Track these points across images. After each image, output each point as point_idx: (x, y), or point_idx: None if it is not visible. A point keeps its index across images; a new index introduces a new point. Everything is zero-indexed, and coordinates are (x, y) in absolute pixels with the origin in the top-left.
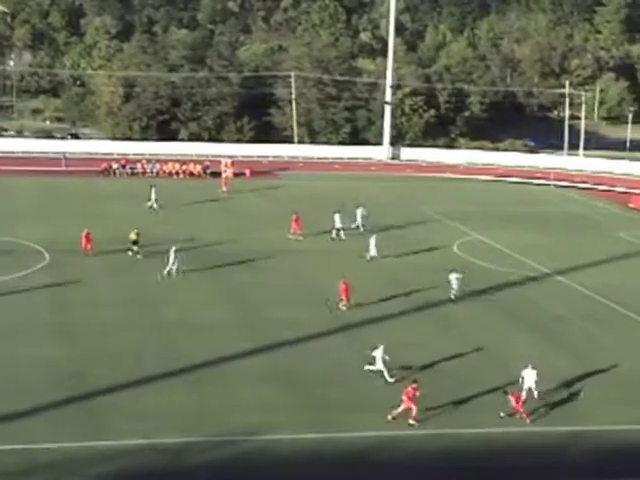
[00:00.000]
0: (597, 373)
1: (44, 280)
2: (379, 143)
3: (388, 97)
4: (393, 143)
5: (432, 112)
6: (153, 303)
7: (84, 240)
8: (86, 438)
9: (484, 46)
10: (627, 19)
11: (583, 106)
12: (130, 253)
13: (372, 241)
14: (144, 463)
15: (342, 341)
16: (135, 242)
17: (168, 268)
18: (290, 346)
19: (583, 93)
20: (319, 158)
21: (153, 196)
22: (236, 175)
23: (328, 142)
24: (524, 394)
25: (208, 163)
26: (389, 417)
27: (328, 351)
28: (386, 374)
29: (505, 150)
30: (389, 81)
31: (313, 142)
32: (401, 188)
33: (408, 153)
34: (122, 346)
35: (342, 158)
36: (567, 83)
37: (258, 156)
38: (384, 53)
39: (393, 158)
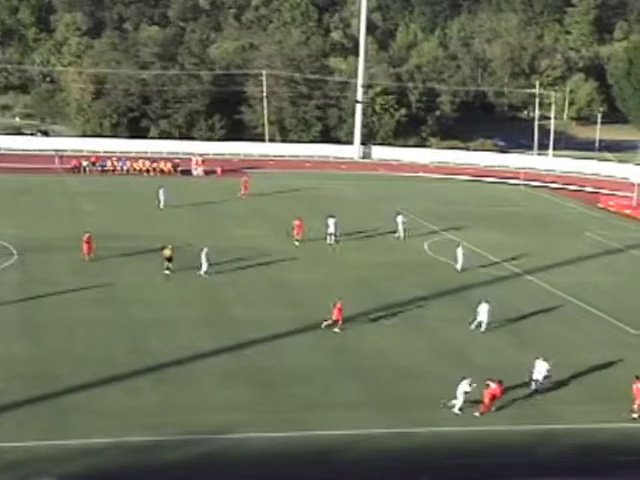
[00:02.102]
0: (565, 371)
1: (11, 278)
2: (350, 142)
3: (359, 96)
4: (364, 142)
5: (403, 111)
6: (122, 302)
7: (85, 244)
8: (52, 437)
9: (455, 46)
10: (596, 20)
11: (553, 106)
12: (167, 271)
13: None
14: (111, 462)
15: (309, 340)
16: (169, 259)
17: (204, 269)
18: (258, 345)
19: (553, 93)
20: (290, 156)
21: (162, 197)
22: (207, 173)
23: (299, 140)
24: (533, 385)
25: (178, 161)
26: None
27: (295, 350)
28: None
29: (475, 150)
30: (360, 80)
31: (284, 140)
32: (372, 187)
33: (379, 152)
34: (89, 344)
35: (313, 156)
36: (537, 83)
37: (229, 154)
38: (355, 52)
39: (364, 157)
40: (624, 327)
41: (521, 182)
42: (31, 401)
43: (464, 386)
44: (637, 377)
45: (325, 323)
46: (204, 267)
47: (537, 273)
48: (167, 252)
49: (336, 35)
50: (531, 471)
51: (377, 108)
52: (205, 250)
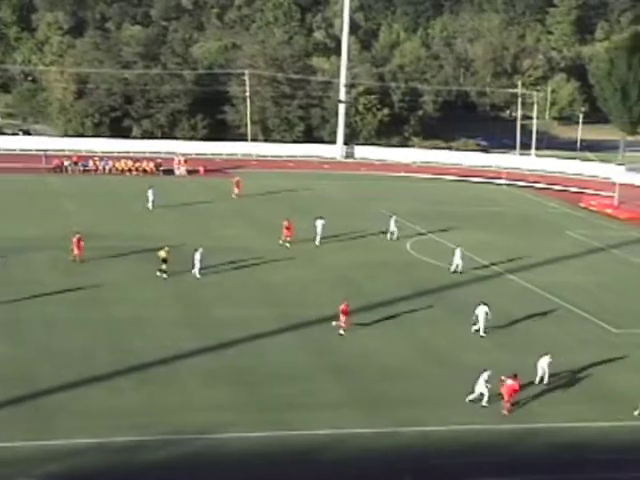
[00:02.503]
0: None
1: None
2: (333, 141)
3: (342, 96)
4: (347, 142)
5: (386, 111)
6: (105, 302)
7: (75, 246)
8: (35, 437)
9: (437, 45)
10: (578, 20)
11: (535, 106)
12: (158, 273)
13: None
14: (95, 462)
15: (292, 340)
16: (165, 260)
17: (197, 270)
18: (241, 345)
19: (535, 93)
20: (273, 156)
21: (151, 197)
22: (190, 173)
23: (282, 140)
24: (537, 379)
25: (161, 160)
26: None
27: (278, 350)
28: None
29: (458, 149)
30: (343, 80)
31: (267, 140)
32: (354, 186)
33: (362, 152)
34: (71, 344)
35: (296, 156)
36: (519, 83)
37: (212, 154)
38: (338, 52)
39: (347, 156)
40: (606, 326)
41: (504, 182)
42: (13, 402)
43: (484, 377)
44: None
45: (335, 323)
46: (197, 267)
47: (519, 272)
48: (162, 254)
49: (319, 35)
50: (510, 469)
51: (360, 108)
52: (200, 250)
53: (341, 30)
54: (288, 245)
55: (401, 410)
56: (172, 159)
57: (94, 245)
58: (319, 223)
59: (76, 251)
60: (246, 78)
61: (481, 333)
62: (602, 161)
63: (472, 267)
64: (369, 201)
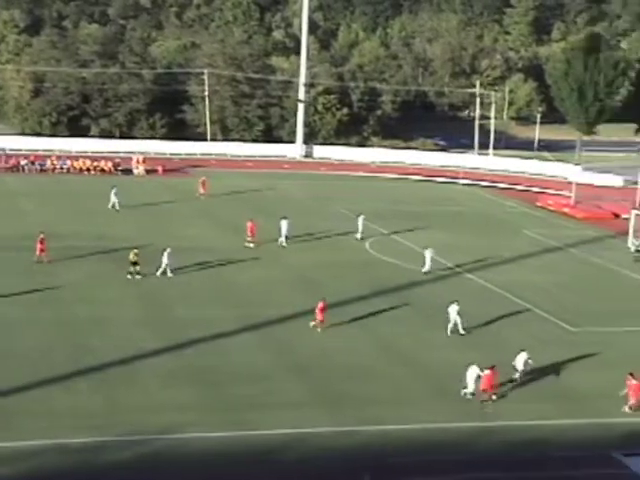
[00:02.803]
0: (505, 369)
1: None
2: (292, 141)
3: (301, 95)
4: (306, 141)
5: (345, 110)
6: (64, 302)
7: (39, 245)
8: None
9: (396, 45)
10: (535, 21)
11: (493, 106)
12: (129, 276)
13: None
14: (54, 463)
15: (253, 339)
16: (135, 263)
17: (162, 269)
18: (201, 345)
19: (493, 93)
20: (232, 156)
21: (113, 197)
22: (148, 172)
23: (241, 139)
24: (517, 375)
25: (119, 160)
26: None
27: (239, 350)
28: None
29: (416, 149)
30: (302, 79)
31: (226, 139)
32: (314, 186)
33: (321, 151)
34: (29, 345)
35: (255, 156)
36: (477, 83)
37: (171, 153)
38: (297, 51)
39: (306, 156)
40: (564, 325)
41: (462, 182)
42: None
43: (474, 370)
44: (631, 374)
45: (313, 324)
46: (163, 266)
47: (478, 272)
48: (131, 256)
49: (278, 34)
50: (470, 467)
51: (319, 107)
52: (168, 250)
53: (300, 30)
54: (252, 245)
55: (362, 409)
56: (130, 158)
57: (54, 245)
58: (284, 223)
59: (39, 251)
60: (205, 77)
61: (460, 331)
62: (559, 161)
63: (431, 266)
64: (329, 201)
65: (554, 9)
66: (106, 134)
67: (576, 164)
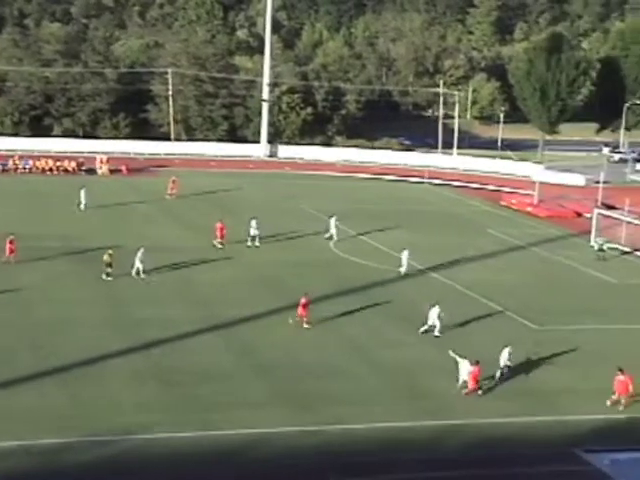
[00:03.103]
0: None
1: None
2: (257, 141)
3: (265, 95)
4: (271, 141)
5: (309, 110)
6: (28, 303)
7: (8, 246)
8: None
9: (360, 45)
10: (497, 21)
11: (457, 106)
12: (104, 276)
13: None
14: (18, 466)
15: (215, 339)
16: (109, 264)
17: (135, 268)
18: (165, 345)
19: (456, 93)
20: (196, 155)
21: (83, 197)
22: (112, 172)
23: (205, 139)
24: (498, 372)
25: (83, 160)
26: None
27: (202, 349)
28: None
29: (381, 148)
30: (266, 79)
31: (190, 139)
32: (279, 186)
33: (286, 151)
34: None
35: (219, 155)
36: (441, 83)
37: (134, 153)
38: (261, 50)
39: (271, 156)
40: (528, 324)
41: (426, 180)
42: None
43: (465, 366)
44: (620, 370)
45: (292, 320)
46: (137, 265)
47: (441, 271)
48: (106, 257)
49: (242, 34)
50: (431, 466)
51: (283, 107)
52: (141, 250)
53: (264, 29)
54: (221, 246)
55: (326, 408)
56: (94, 158)
57: (18, 246)
58: (253, 223)
59: (8, 252)
60: (169, 77)
61: (436, 333)
62: (522, 160)
63: (397, 265)
64: (294, 200)
65: (516, 9)
66: (69, 134)
67: (538, 163)
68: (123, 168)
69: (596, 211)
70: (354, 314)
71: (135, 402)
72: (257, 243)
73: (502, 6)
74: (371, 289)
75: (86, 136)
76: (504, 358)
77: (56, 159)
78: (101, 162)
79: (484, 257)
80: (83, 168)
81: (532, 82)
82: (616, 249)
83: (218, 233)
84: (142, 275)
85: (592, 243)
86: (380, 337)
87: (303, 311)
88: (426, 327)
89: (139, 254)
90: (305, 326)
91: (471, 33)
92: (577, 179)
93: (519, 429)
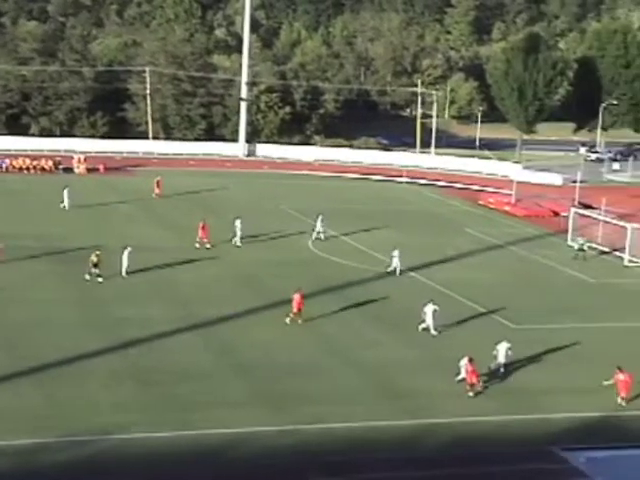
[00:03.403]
0: (444, 364)
1: None
2: (235, 140)
3: (243, 94)
4: (249, 140)
5: (287, 109)
6: (5, 302)
7: None
8: None
9: (338, 44)
10: (475, 21)
11: (435, 105)
12: (88, 276)
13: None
14: None
15: (194, 339)
16: (96, 264)
17: (124, 268)
18: (143, 344)
19: (434, 92)
20: (174, 154)
21: (66, 197)
22: (89, 171)
23: (183, 138)
24: (501, 369)
25: (60, 158)
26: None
27: (180, 349)
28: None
29: (359, 148)
30: (244, 78)
31: (168, 138)
32: (257, 185)
33: (264, 150)
34: None
35: (198, 154)
36: (419, 82)
37: (112, 152)
38: (239, 50)
39: (249, 155)
40: (505, 322)
41: (404, 180)
42: None
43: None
44: (619, 368)
45: (288, 318)
46: (125, 265)
47: (420, 270)
48: (93, 258)
49: (220, 33)
50: (410, 465)
51: (261, 106)
52: (128, 249)
53: (242, 28)
54: (200, 246)
55: (304, 408)
56: (71, 157)
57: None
58: (237, 223)
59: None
60: (147, 75)
61: (432, 332)
62: (500, 159)
63: (374, 264)
64: (273, 200)
65: (494, 9)
66: (46, 132)
67: (516, 163)
68: (100, 167)
69: (573, 210)
70: (334, 314)
71: (112, 402)
72: (239, 243)
73: (480, 6)
74: (350, 289)
75: (63, 135)
76: (502, 355)
77: (33, 158)
78: (78, 161)
79: (462, 256)
80: (60, 167)
81: (510, 82)
82: (595, 249)
83: (200, 233)
84: (124, 274)
85: (571, 242)
86: (359, 337)
87: (298, 307)
88: (424, 325)
89: (126, 253)
90: (299, 321)
91: (449, 33)
92: (554, 178)
93: (497, 428)
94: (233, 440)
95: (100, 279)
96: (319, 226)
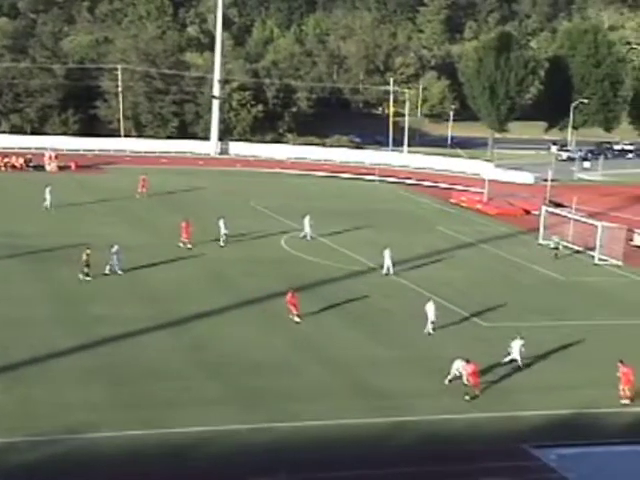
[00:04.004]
0: (420, 364)
1: None
2: (207, 138)
3: (216, 91)
4: (221, 138)
5: (260, 107)
6: None
7: None
8: None
9: (311, 42)
10: (447, 20)
11: (407, 104)
12: (81, 276)
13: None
14: None
15: (166, 337)
16: (87, 263)
17: (115, 265)
18: (115, 342)
19: (407, 91)
20: (146, 152)
21: (48, 196)
22: (61, 168)
23: (155, 136)
24: (519, 361)
25: (30, 156)
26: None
27: (152, 347)
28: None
29: (332, 146)
30: (217, 75)
31: (140, 136)
32: (229, 183)
33: (236, 148)
34: None
35: (170, 152)
36: (391, 81)
37: (84, 149)
38: (212, 47)
39: (221, 153)
40: (477, 320)
41: (376, 178)
42: None
43: (458, 364)
44: (621, 361)
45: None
46: (115, 262)
47: (392, 268)
48: (84, 256)
49: (192, 30)
50: (382, 462)
51: (234, 104)
52: (116, 247)
53: (215, 26)
54: (186, 246)
55: (277, 405)
56: (42, 155)
57: None
58: (221, 222)
59: None
60: (118, 73)
61: (429, 329)
62: (472, 158)
63: (346, 262)
64: (244, 197)
65: (466, 8)
66: (17, 130)
67: (488, 161)
68: (72, 165)
69: (544, 209)
70: (307, 312)
71: (83, 401)
72: (222, 243)
73: (452, 5)
74: (323, 287)
75: (34, 132)
76: (517, 351)
77: (3, 155)
78: (50, 158)
79: (434, 254)
80: (31, 164)
81: (481, 81)
82: (568, 247)
83: (183, 232)
84: (106, 271)
85: (542, 241)
86: (332, 335)
87: (292, 306)
88: (431, 325)
89: (113, 250)
90: (296, 320)
91: (421, 32)
92: (526, 177)
93: (469, 425)
94: (205, 438)
95: (88, 278)
96: (307, 225)
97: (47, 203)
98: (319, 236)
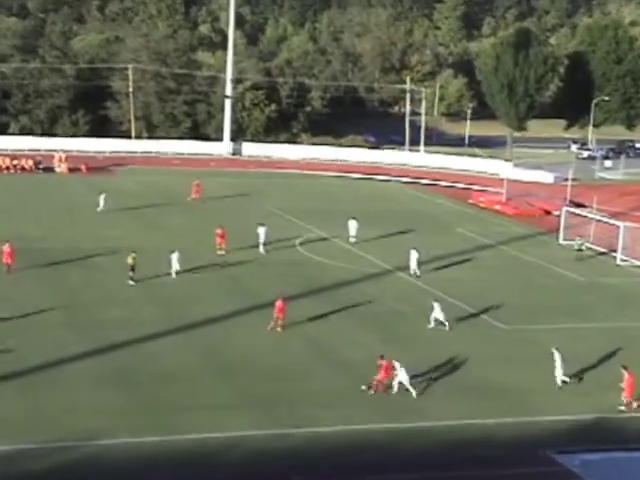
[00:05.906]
0: (437, 367)
1: None
2: (220, 138)
3: (228, 91)
4: (234, 138)
5: (273, 107)
6: None
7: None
8: None
9: (325, 40)
10: (464, 16)
11: (423, 102)
12: (130, 282)
13: None
14: None
15: (178, 341)
16: (132, 267)
17: (173, 270)
18: (127, 347)
19: (423, 89)
20: (158, 153)
21: (102, 202)
22: (71, 170)
23: (167, 137)
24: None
25: (40, 158)
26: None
27: (165, 351)
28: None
29: (347, 146)
30: (229, 75)
31: (151, 137)
32: (242, 184)
33: (250, 148)
34: None
35: (182, 153)
36: (407, 79)
37: (94, 151)
38: (224, 46)
39: (234, 154)
40: (496, 323)
41: (393, 178)
42: None
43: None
44: (624, 367)
45: (270, 326)
46: (173, 269)
47: (408, 270)
48: (130, 260)
49: (204, 29)
50: (401, 467)
51: (247, 103)
52: (176, 254)
53: (227, 24)
54: (222, 252)
55: (293, 410)
56: (52, 156)
57: None
58: (261, 230)
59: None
60: (129, 73)
61: (430, 325)
62: (490, 157)
63: (362, 265)
64: (258, 199)
65: (483, 4)
66: (27, 131)
67: (507, 160)
68: (82, 167)
69: (564, 209)
70: (320, 315)
71: (96, 406)
72: (261, 250)
73: (469, 1)
74: (335, 289)
75: (44, 134)
76: (558, 357)
77: (13, 157)
78: (59, 160)
79: (452, 256)
80: (40, 166)
81: (500, 78)
82: (591, 249)
83: (218, 240)
84: (174, 275)
85: (562, 242)
86: (346, 338)
87: (278, 313)
88: (446, 324)
89: (174, 256)
90: (277, 329)
91: (438, 28)
92: (546, 176)
93: (490, 430)
94: (219, 444)
95: (132, 282)
96: (352, 228)
97: (100, 207)
98: (339, 240)
